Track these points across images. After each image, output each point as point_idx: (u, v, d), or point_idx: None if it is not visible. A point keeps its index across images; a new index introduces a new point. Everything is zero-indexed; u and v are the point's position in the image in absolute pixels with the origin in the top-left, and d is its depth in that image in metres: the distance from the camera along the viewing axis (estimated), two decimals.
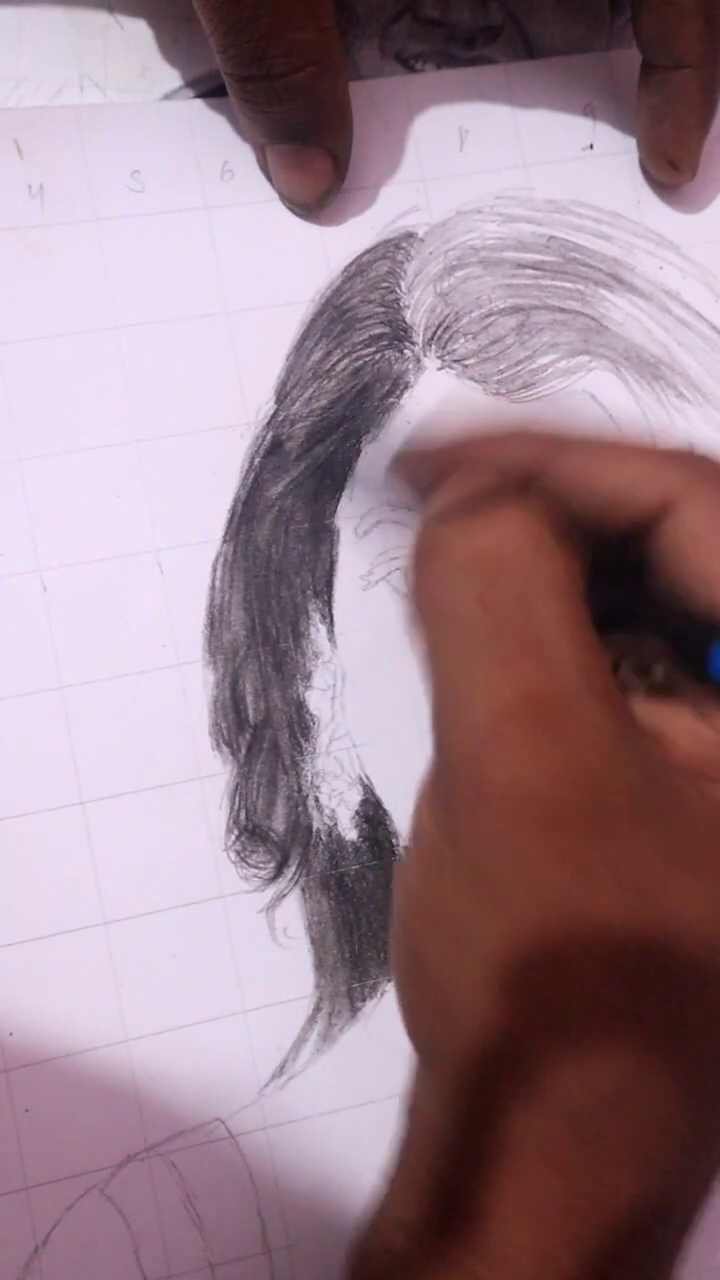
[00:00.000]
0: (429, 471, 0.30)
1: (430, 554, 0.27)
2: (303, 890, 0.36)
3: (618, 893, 0.24)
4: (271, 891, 0.36)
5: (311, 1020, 0.35)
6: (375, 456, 0.37)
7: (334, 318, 0.38)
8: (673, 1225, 0.26)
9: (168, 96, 0.39)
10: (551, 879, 0.24)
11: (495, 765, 0.25)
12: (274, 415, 0.37)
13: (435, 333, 0.38)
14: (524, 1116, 0.25)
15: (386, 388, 0.38)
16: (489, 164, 0.40)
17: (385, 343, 0.38)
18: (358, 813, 0.36)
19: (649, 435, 0.38)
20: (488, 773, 0.25)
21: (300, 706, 0.36)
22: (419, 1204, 0.27)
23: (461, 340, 0.38)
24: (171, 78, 0.39)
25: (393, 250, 0.39)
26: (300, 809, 0.36)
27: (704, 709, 0.27)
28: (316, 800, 0.36)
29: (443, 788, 0.26)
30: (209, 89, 0.38)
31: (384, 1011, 0.36)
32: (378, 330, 0.38)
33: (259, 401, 0.37)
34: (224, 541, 0.37)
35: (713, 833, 0.25)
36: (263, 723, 0.36)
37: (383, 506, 0.37)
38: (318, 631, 0.37)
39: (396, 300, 0.38)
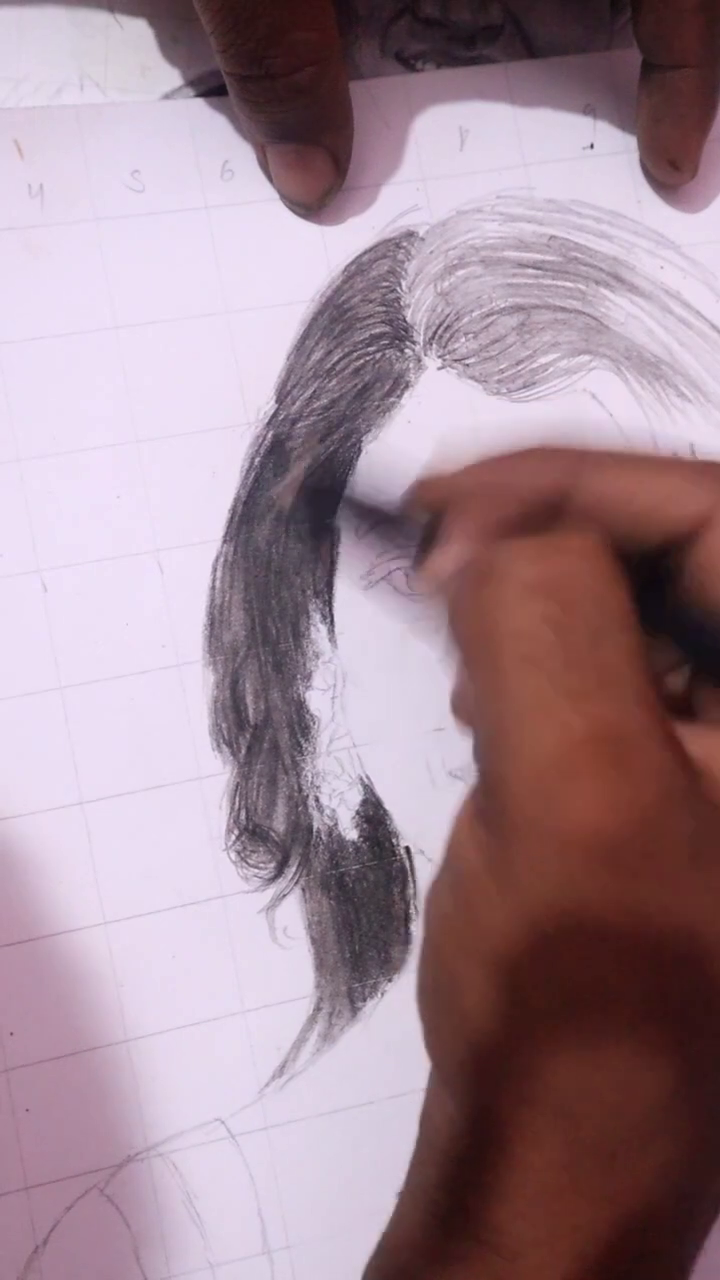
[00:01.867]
0: (451, 497, 0.29)
1: (492, 577, 0.25)
2: (303, 890, 0.36)
3: (671, 938, 0.24)
4: (271, 891, 0.36)
5: (311, 1020, 0.35)
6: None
7: (334, 317, 0.38)
8: (687, 1226, 0.26)
9: (168, 96, 0.38)
10: (607, 923, 0.24)
11: (564, 800, 0.24)
12: (274, 415, 0.37)
13: (436, 332, 0.38)
14: (543, 1135, 0.25)
15: (387, 387, 0.38)
16: (489, 163, 0.40)
17: (386, 342, 0.38)
18: (358, 813, 0.36)
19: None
20: (555, 807, 0.24)
21: (300, 706, 0.36)
22: (432, 1214, 0.27)
23: (462, 339, 0.38)
24: (171, 77, 0.39)
25: (393, 249, 0.39)
26: (300, 809, 0.36)
27: None
28: (316, 800, 0.36)
29: (494, 816, 0.25)
30: (209, 88, 0.38)
31: (384, 1011, 0.36)
32: (378, 329, 0.38)
33: (259, 401, 0.37)
34: (224, 541, 0.37)
35: None
36: (263, 723, 0.36)
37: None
38: (318, 631, 0.37)
39: (397, 299, 0.38)
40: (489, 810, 0.25)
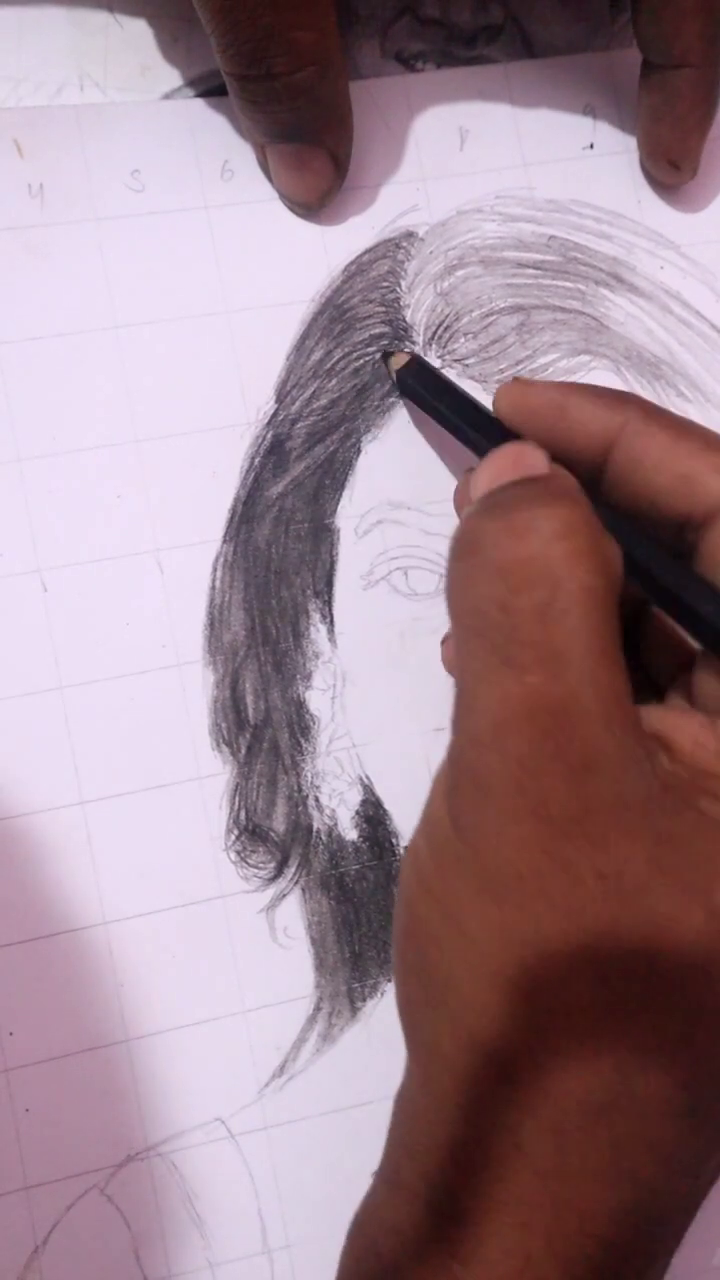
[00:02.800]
0: (529, 407, 0.31)
1: (466, 551, 0.27)
2: (303, 890, 0.36)
3: (602, 896, 0.24)
4: (271, 891, 0.36)
5: (311, 1020, 0.35)
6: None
7: (334, 317, 0.38)
8: (658, 1238, 0.26)
9: (168, 96, 0.38)
10: (541, 873, 0.25)
11: (494, 760, 0.25)
12: (274, 415, 0.37)
13: (436, 332, 0.38)
14: (510, 1120, 0.25)
15: (386, 387, 0.38)
16: (489, 163, 0.40)
17: (385, 342, 0.38)
18: (358, 813, 0.36)
19: None
20: (487, 766, 0.25)
21: (300, 706, 0.36)
22: (404, 1204, 0.27)
23: (462, 340, 0.38)
24: (171, 77, 0.39)
25: (393, 250, 0.39)
26: (300, 809, 0.36)
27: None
28: (316, 800, 0.36)
29: (452, 775, 0.27)
30: (209, 88, 0.38)
31: (384, 1011, 0.36)
32: (378, 330, 0.38)
33: (259, 401, 0.37)
34: (224, 541, 0.37)
35: (700, 848, 0.25)
36: (263, 723, 0.36)
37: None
38: (318, 631, 0.37)
39: (397, 300, 0.38)
40: (447, 764, 0.27)
